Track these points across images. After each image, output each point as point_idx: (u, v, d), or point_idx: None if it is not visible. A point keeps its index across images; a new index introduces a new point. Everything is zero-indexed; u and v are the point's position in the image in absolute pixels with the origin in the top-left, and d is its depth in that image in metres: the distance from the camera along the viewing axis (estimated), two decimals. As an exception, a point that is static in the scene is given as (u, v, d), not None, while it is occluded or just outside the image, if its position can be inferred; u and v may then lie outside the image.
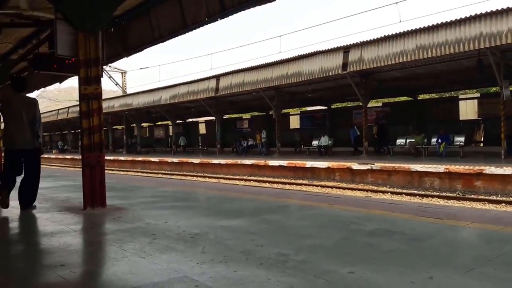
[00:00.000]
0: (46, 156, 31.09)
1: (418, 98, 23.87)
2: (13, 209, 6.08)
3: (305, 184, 14.74)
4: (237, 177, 17.90)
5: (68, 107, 38.06)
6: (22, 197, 5.71)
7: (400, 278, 2.69)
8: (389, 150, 19.07)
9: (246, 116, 34.81)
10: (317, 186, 14.19)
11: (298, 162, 16.85)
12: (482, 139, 20.80)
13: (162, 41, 8.22)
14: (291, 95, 22.56)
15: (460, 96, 23.38)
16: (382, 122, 20.78)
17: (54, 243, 4.16)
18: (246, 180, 16.97)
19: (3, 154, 6.08)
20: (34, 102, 5.67)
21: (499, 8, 12.29)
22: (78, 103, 5.76)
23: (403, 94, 23.99)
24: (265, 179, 16.72)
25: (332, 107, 28.39)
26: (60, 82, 13.18)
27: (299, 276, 2.74)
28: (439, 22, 13.61)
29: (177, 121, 34.19)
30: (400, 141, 19.46)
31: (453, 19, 13.25)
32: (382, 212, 5.17)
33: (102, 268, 3.25)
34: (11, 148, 5.57)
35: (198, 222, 4.66)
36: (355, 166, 14.61)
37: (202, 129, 37.47)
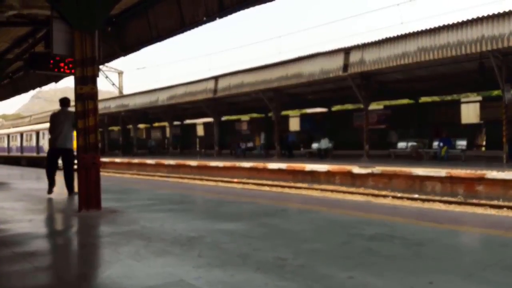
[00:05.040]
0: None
1: (420, 101, 23.83)
2: (8, 210, 6.02)
3: (305, 188, 14.67)
4: (235, 180, 17.84)
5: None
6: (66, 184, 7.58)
7: (400, 283, 2.64)
8: (291, 154, 22.80)
9: (245, 118, 34.74)
10: (316, 189, 14.13)
11: (298, 165, 16.79)
12: (484, 143, 20.75)
13: (160, 40, 8.18)
14: (291, 96, 22.51)
15: (462, 100, 23.35)
16: (286, 134, 24.37)
17: (48, 245, 4.11)
18: (244, 183, 16.90)
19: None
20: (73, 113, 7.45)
21: (501, 11, 12.25)
22: (74, 103, 5.70)
23: (405, 96, 23.97)
24: (264, 182, 16.65)
25: (333, 109, 28.35)
26: (56, 82, 13.13)
27: (297, 281, 2.68)
28: (441, 24, 13.58)
29: (175, 123, 34.08)
30: (401, 145, 19.36)
31: (455, 22, 13.22)
32: (383, 217, 5.11)
33: (96, 271, 3.20)
34: (53, 147, 7.57)
35: (194, 226, 4.60)
36: (356, 170, 14.54)
37: (200, 131, 37.43)
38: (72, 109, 7.39)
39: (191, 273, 2.86)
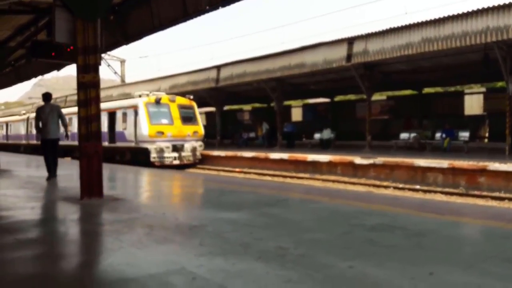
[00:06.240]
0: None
1: (423, 91, 23.68)
2: (10, 197, 6.05)
3: (307, 178, 14.67)
4: (237, 169, 17.83)
5: (66, 96, 37.78)
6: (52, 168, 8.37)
7: (401, 273, 2.64)
8: (290, 144, 22.71)
9: (247, 107, 34.60)
10: (318, 180, 14.12)
11: (300, 156, 16.76)
12: (487, 135, 20.66)
13: (162, 29, 8.13)
14: (294, 86, 22.37)
15: (466, 91, 23.18)
16: (272, 124, 24.21)
17: (50, 233, 4.13)
18: (246, 172, 16.90)
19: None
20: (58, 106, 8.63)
21: (507, 2, 12.09)
22: (76, 91, 5.69)
23: (408, 87, 23.79)
24: (266, 172, 16.64)
25: (335, 99, 28.18)
26: (58, 70, 13.11)
27: (298, 270, 2.69)
28: (446, 15, 13.44)
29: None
30: (404, 136, 19.27)
31: (460, 12, 13.07)
32: (384, 207, 5.10)
33: (98, 258, 3.21)
34: (45, 138, 8.32)
35: (196, 214, 4.61)
36: (358, 160, 14.52)
37: (202, 120, 37.32)
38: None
39: (193, 261, 2.87)
